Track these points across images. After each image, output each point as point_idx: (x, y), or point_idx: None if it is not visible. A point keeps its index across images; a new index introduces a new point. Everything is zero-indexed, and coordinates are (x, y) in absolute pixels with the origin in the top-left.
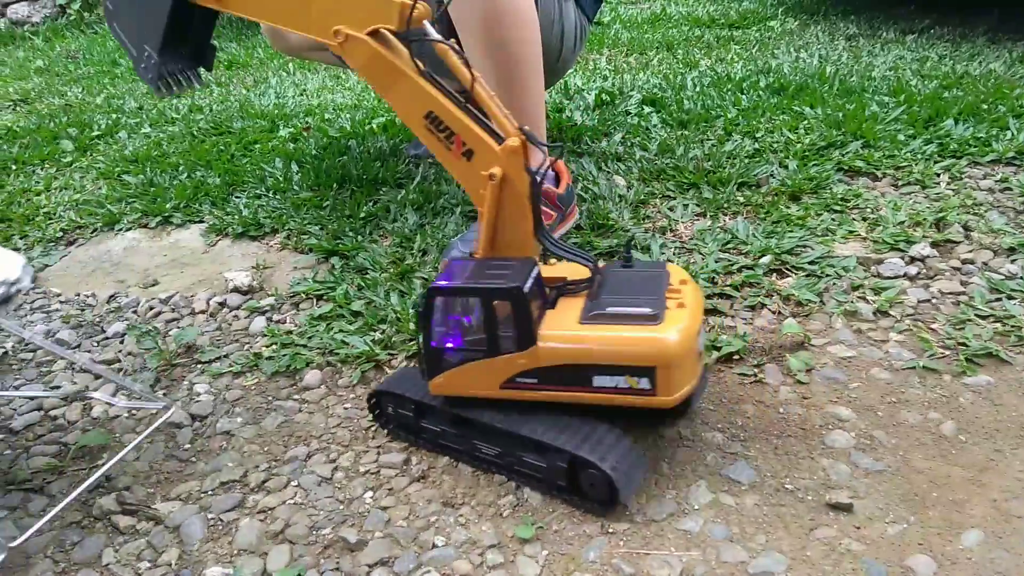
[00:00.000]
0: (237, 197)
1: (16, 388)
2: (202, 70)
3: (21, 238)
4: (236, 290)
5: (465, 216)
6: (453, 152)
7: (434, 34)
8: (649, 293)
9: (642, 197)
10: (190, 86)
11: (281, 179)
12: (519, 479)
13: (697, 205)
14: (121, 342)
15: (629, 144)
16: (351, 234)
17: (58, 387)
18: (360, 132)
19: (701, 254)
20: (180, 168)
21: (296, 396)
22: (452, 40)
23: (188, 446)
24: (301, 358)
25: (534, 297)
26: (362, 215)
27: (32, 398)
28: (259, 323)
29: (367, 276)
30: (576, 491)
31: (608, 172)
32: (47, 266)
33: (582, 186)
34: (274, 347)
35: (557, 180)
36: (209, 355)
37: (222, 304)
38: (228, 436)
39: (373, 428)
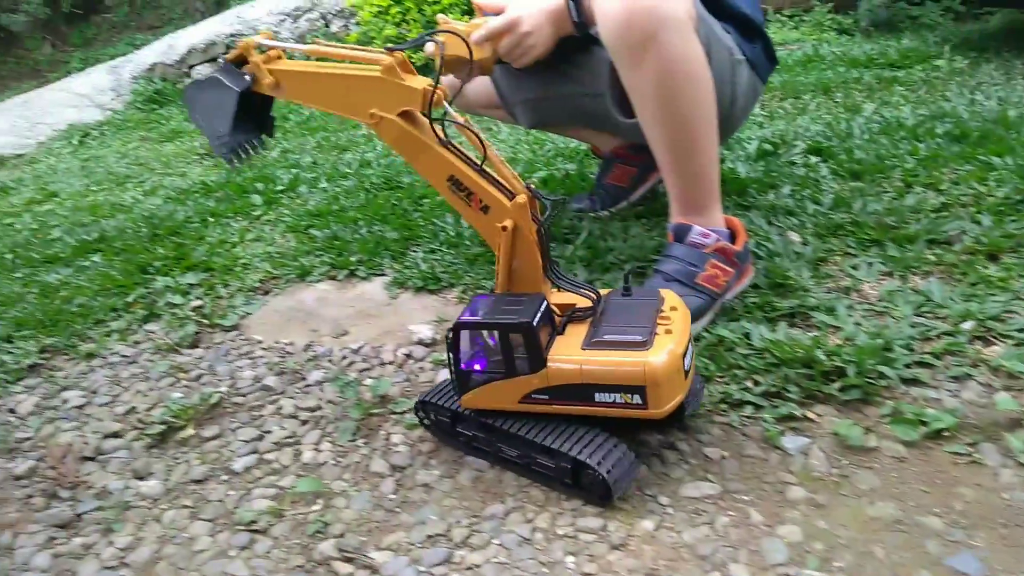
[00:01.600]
0: (414, 251)
1: (232, 430)
2: (264, 137)
3: (223, 287)
4: (420, 342)
5: (635, 273)
6: (473, 208)
7: (453, 114)
8: (642, 320)
9: (821, 254)
10: (256, 153)
11: (453, 234)
12: (535, 477)
13: (883, 264)
14: (321, 390)
15: (799, 197)
16: None
17: (268, 431)
18: None
19: (893, 318)
20: (359, 223)
21: None
22: (466, 118)
23: (392, 496)
24: None
25: (543, 327)
26: None
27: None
28: (444, 376)
29: None
30: (579, 488)
31: (780, 227)
32: (248, 314)
33: (754, 242)
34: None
35: (733, 237)
36: (402, 406)
37: (408, 355)
38: (428, 489)
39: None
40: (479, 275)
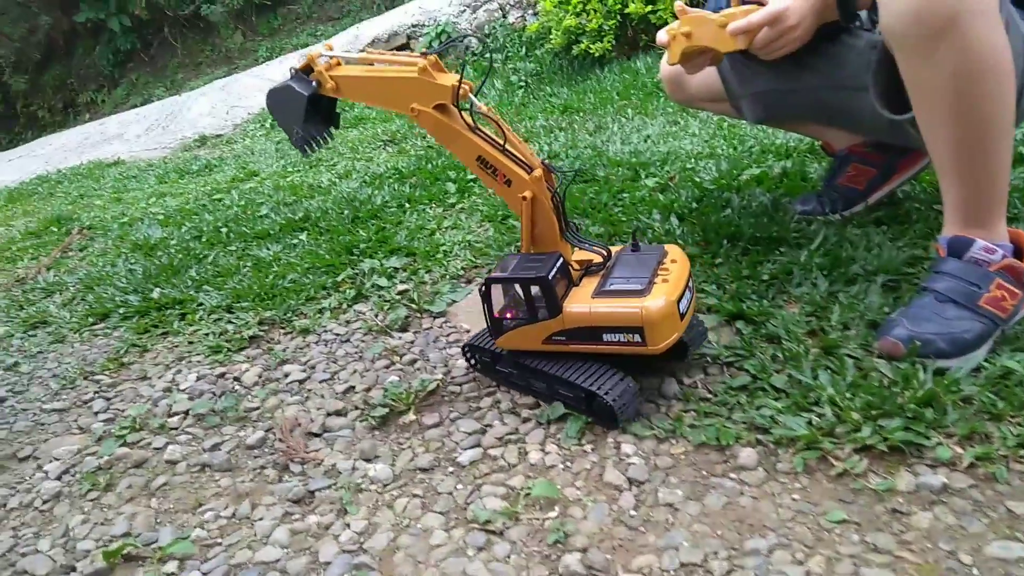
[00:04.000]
0: None
1: (451, 420)
2: (333, 129)
3: (426, 272)
4: None
5: (886, 287)
6: (498, 182)
7: (477, 103)
8: (644, 272)
9: None
10: (325, 143)
11: (662, 232)
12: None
13: None
14: None
15: None
16: (754, 297)
17: (490, 425)
18: (732, 184)
19: None
20: None
21: (732, 475)
22: (489, 107)
23: (633, 513)
24: (728, 433)
25: (559, 280)
26: (764, 276)
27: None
28: (670, 385)
29: (783, 347)
30: (592, 413)
31: None
32: (454, 301)
33: None
34: (693, 414)
35: (1018, 253)
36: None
37: None
38: (672, 509)
39: (841, 532)
40: (699, 277)
